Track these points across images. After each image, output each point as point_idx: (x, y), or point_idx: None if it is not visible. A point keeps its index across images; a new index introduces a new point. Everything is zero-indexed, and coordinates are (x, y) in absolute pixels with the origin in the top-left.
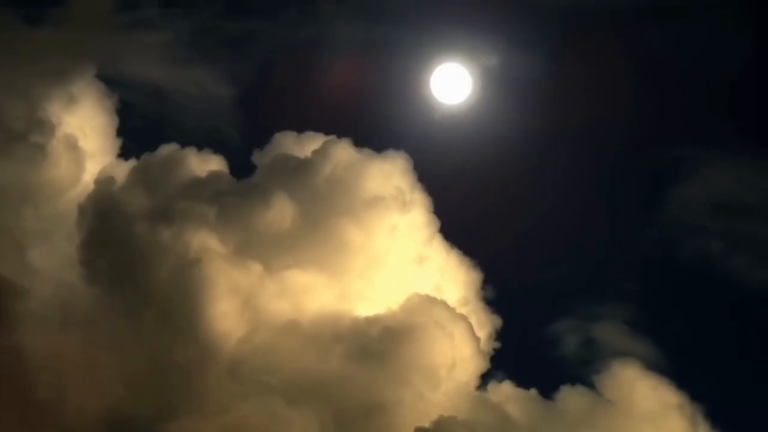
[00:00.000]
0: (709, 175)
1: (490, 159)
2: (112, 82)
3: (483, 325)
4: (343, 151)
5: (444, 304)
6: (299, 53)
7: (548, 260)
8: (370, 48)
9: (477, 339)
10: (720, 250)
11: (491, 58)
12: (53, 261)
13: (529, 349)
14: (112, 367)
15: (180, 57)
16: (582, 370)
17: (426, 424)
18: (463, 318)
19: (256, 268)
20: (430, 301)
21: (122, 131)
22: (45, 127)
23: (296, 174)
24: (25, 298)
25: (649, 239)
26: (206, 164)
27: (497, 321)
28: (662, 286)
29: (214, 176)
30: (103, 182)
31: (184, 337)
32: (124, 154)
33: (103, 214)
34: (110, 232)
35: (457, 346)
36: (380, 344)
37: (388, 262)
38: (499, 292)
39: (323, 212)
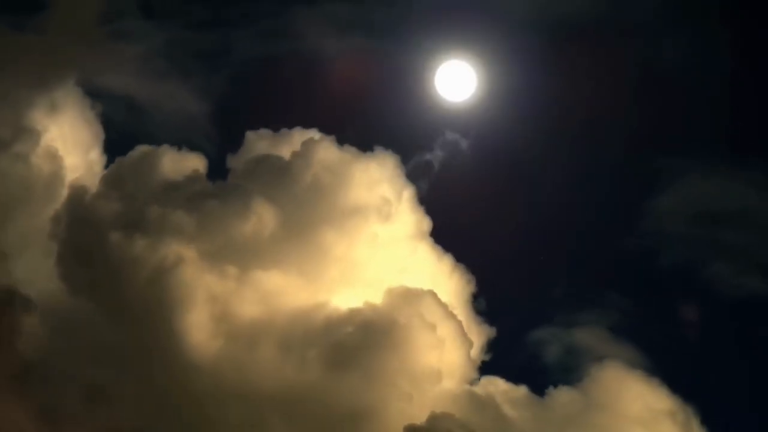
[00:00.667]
0: (687, 185)
1: (486, 163)
2: (91, 93)
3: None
4: (327, 151)
5: (432, 297)
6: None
7: (532, 267)
8: (369, 49)
9: (466, 336)
10: (700, 257)
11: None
12: (34, 271)
13: (514, 354)
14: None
15: (157, 69)
16: (567, 373)
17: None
18: (451, 314)
19: (233, 272)
20: (417, 296)
21: (101, 142)
22: (28, 136)
23: (274, 176)
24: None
25: (630, 248)
26: (182, 166)
27: (487, 328)
28: (643, 293)
29: (189, 179)
30: (77, 192)
31: (161, 347)
32: (101, 163)
33: (76, 223)
34: (84, 242)
35: (445, 342)
36: (365, 344)
37: (372, 267)
38: (488, 298)
39: (304, 217)
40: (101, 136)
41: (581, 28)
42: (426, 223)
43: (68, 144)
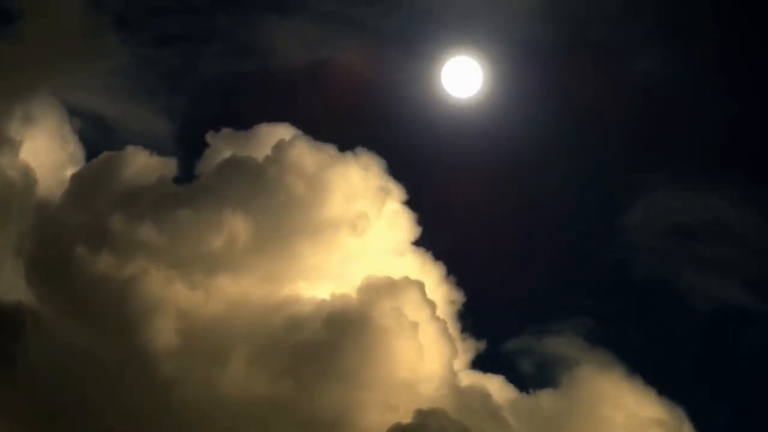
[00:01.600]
0: (659, 199)
1: (472, 169)
2: (66, 107)
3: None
4: (304, 151)
5: (414, 290)
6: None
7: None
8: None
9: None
10: (672, 268)
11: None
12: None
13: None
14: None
15: (126, 87)
16: (545, 378)
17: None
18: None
19: (200, 280)
20: (397, 289)
21: (73, 156)
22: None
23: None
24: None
25: (603, 261)
26: (149, 171)
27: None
28: (617, 303)
29: (154, 186)
30: (42, 206)
31: (129, 360)
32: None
33: (41, 237)
34: (49, 255)
35: (426, 335)
36: (339, 346)
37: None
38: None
39: (277, 225)
40: (74, 150)
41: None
42: (412, 230)
43: (41, 157)
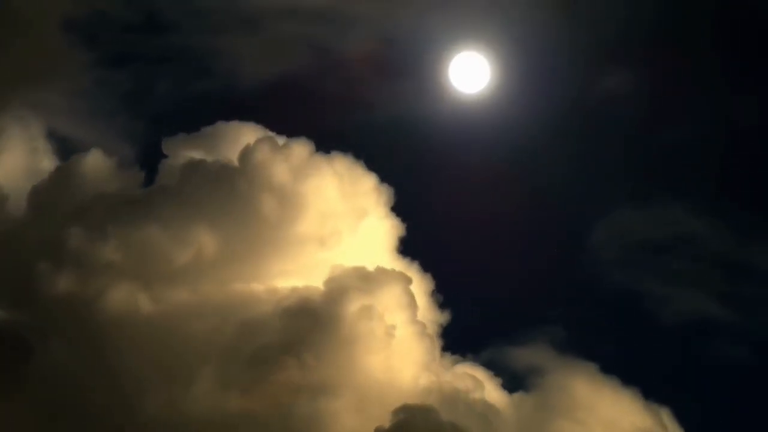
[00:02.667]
0: (623, 216)
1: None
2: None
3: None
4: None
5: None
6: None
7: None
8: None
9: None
10: (639, 281)
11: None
12: None
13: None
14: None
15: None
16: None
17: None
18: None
19: (163, 294)
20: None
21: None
22: None
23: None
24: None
25: (574, 274)
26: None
27: None
28: (586, 315)
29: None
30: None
31: (96, 378)
32: None
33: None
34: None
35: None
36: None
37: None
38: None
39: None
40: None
41: None
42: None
43: (9, 174)
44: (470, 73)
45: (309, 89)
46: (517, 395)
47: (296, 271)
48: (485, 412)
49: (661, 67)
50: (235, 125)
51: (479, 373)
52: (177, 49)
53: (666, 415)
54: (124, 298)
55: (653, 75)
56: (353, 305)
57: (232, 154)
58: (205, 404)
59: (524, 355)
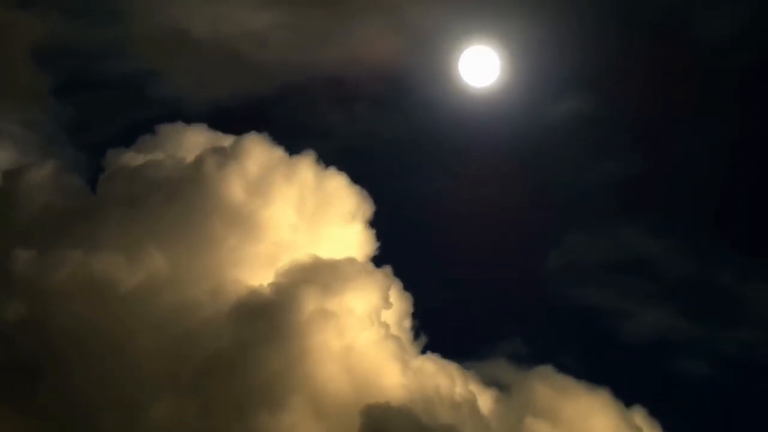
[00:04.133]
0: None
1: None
2: None
3: None
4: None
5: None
6: None
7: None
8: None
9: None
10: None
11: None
12: None
13: None
14: None
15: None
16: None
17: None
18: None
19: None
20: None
21: None
22: None
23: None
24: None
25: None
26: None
27: None
28: (549, 329)
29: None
30: None
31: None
32: None
33: None
34: None
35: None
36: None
37: None
38: None
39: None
40: None
41: None
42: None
43: None
44: (480, 67)
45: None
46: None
47: (251, 274)
48: (462, 407)
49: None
50: (180, 127)
51: (453, 369)
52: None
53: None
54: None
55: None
56: (310, 306)
57: (180, 157)
58: (160, 425)
59: (485, 370)
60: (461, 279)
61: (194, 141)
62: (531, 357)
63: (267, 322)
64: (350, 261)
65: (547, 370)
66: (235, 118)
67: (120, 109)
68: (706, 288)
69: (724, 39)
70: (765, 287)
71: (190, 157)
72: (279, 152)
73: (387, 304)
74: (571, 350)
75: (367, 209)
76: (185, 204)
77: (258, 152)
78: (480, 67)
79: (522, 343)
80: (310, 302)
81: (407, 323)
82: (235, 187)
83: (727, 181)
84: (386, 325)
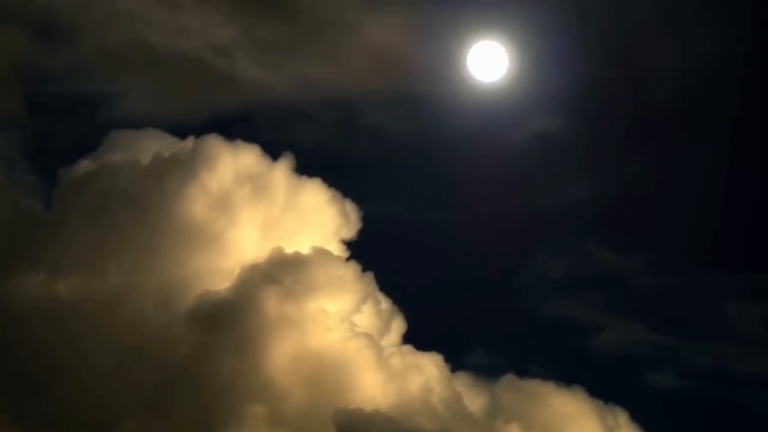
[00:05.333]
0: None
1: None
2: None
3: None
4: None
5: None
6: None
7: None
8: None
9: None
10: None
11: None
12: None
13: None
14: None
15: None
16: None
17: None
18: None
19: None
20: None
21: None
22: None
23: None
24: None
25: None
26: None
27: None
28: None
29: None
30: None
31: None
32: None
33: None
34: None
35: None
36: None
37: None
38: None
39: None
40: None
41: None
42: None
43: None
44: (489, 62)
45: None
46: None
47: (210, 276)
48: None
49: None
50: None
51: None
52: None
53: None
54: None
55: None
56: (271, 310)
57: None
58: None
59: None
60: (432, 287)
61: (149, 147)
62: (498, 368)
63: (226, 329)
64: (319, 257)
65: (513, 379)
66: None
67: (80, 129)
68: (674, 301)
69: None
70: (730, 301)
71: (145, 164)
72: (249, 158)
73: (359, 304)
74: (539, 359)
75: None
76: (141, 213)
77: (221, 159)
78: (488, 62)
79: (487, 355)
80: (270, 305)
81: (379, 324)
82: (192, 195)
83: (692, 199)
84: (356, 326)
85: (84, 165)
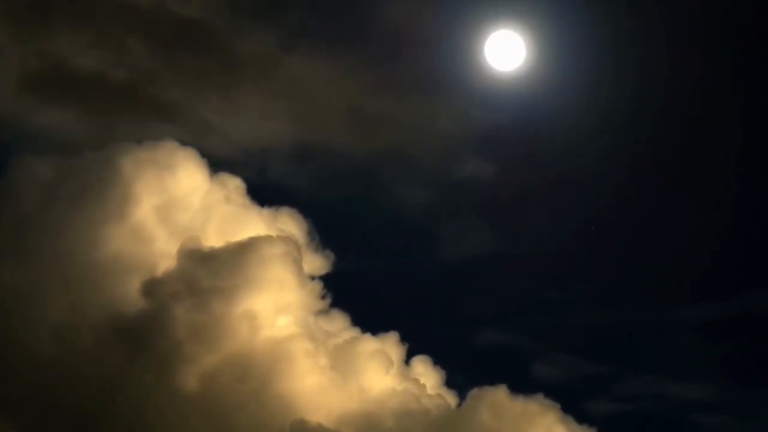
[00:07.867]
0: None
1: None
2: None
3: None
4: None
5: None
6: None
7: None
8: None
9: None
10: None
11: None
12: None
13: None
14: None
15: None
16: None
17: None
18: None
19: None
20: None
21: None
22: None
23: None
24: None
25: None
26: None
27: None
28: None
29: None
30: None
31: None
32: None
33: None
34: None
35: None
36: None
37: None
38: None
39: None
40: None
41: None
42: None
43: None
44: (506, 51)
45: None
46: None
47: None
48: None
49: None
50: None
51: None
52: None
53: None
54: None
55: None
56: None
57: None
58: None
59: None
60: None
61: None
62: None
63: (140, 346)
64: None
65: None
66: None
67: None
68: (608, 333)
69: None
70: (664, 333)
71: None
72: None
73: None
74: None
75: None
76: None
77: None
78: (506, 51)
79: None
80: (184, 315)
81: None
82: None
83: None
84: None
85: None
